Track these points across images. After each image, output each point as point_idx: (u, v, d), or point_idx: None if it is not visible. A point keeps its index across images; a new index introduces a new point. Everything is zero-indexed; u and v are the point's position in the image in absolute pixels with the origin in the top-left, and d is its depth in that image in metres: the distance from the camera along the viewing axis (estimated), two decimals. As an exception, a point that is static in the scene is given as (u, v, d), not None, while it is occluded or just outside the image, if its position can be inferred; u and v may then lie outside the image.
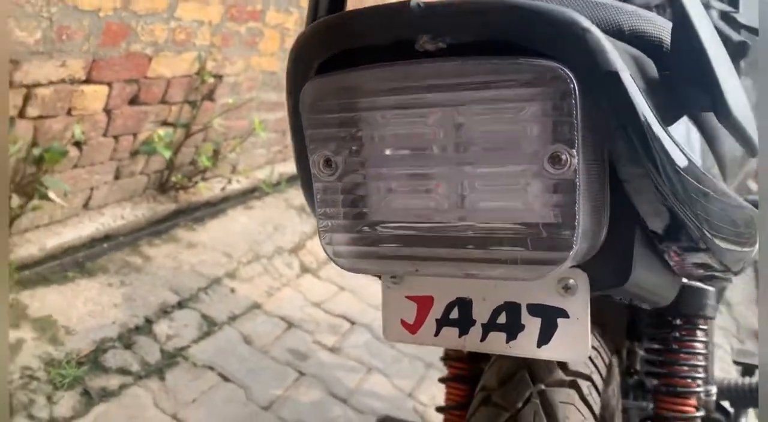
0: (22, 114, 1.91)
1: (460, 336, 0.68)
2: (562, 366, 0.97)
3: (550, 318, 0.64)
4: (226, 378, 1.81)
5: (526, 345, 0.65)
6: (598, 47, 0.49)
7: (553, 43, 0.50)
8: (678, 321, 1.09)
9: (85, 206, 2.30)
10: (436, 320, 0.69)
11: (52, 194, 1.97)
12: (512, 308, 0.65)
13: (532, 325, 0.64)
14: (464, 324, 0.67)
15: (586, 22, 0.50)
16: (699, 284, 1.10)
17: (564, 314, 0.63)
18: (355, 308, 2.35)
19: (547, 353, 0.64)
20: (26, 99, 1.90)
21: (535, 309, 0.64)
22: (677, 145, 0.57)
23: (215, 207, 2.68)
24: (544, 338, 0.64)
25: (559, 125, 0.50)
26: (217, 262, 2.24)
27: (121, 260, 2.07)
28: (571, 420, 0.82)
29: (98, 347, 1.73)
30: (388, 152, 0.56)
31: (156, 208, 2.51)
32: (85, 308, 1.84)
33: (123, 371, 1.70)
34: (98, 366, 1.68)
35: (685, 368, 1.09)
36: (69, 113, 2.07)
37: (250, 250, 2.39)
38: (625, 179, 0.56)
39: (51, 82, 1.96)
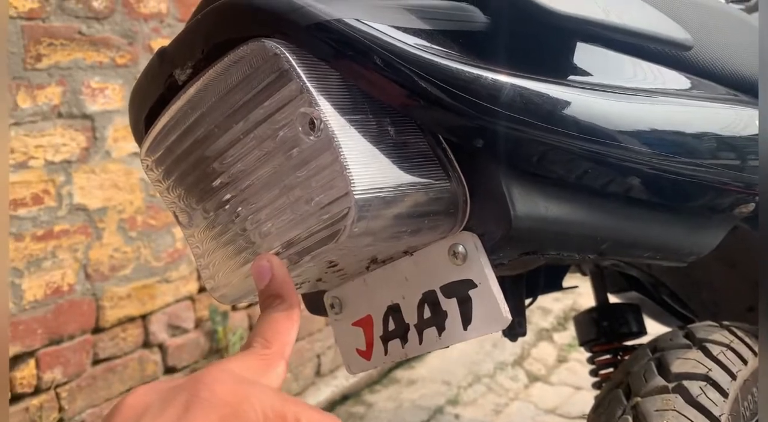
0: (234, 307, 2.22)
1: (402, 347, 0.63)
2: (663, 371, 0.81)
3: (462, 293, 0.57)
4: None
5: (455, 332, 0.58)
6: (292, 6, 0.49)
7: (247, 24, 0.51)
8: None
9: (317, 373, 2.50)
10: (380, 337, 0.65)
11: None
12: (431, 298, 0.59)
13: (453, 308, 0.58)
14: (401, 331, 0.62)
15: None
16: None
17: (471, 284, 0.56)
18: (596, 405, 2.13)
19: (475, 332, 0.56)
20: (233, 293, 2.22)
21: (447, 290, 0.58)
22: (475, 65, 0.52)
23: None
24: (467, 317, 0.57)
25: (291, 92, 0.49)
26: (437, 392, 2.23)
27: (345, 413, 2.17)
28: None
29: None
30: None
31: (385, 359, 2.62)
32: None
33: None
34: None
35: None
36: (274, 294, 2.34)
37: (470, 372, 2.34)
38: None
39: (249, 273, 2.27)
